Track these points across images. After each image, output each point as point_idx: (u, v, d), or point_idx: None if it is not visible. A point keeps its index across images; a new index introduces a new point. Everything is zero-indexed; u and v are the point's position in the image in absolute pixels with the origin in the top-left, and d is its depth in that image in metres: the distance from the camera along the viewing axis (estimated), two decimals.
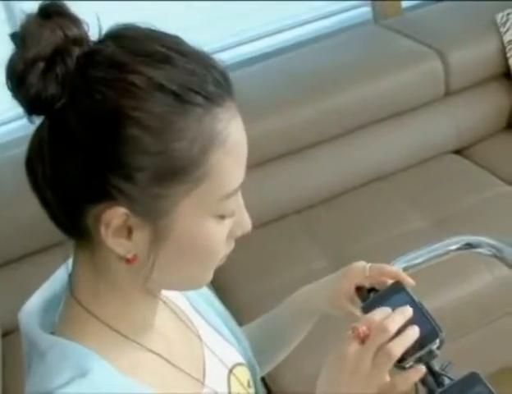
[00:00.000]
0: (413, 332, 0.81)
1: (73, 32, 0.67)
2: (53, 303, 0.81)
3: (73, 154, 0.67)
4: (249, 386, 0.98)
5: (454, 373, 0.86)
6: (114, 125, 0.66)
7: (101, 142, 0.66)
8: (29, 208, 2.22)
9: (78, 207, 0.70)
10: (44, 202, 0.71)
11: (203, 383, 0.87)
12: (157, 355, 0.81)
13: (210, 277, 0.80)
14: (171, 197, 0.69)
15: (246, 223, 0.79)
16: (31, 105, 0.67)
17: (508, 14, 2.65)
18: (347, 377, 0.80)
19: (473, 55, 2.62)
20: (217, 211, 0.72)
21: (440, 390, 0.84)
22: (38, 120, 0.70)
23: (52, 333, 0.77)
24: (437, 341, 0.86)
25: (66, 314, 0.78)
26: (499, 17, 2.66)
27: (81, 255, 0.76)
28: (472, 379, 0.82)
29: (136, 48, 0.68)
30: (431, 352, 0.86)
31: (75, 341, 0.74)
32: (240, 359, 0.99)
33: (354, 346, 0.81)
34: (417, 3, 3.11)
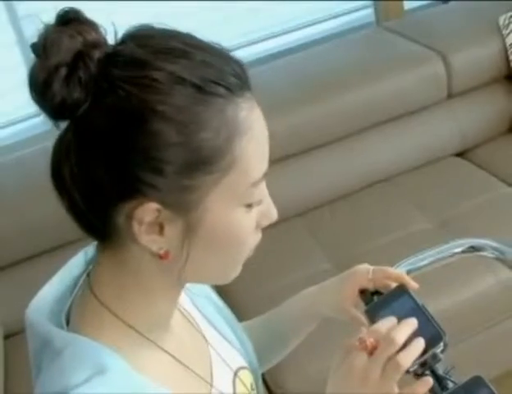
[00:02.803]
0: (420, 344, 0.82)
1: (92, 36, 0.68)
2: (64, 299, 0.81)
3: (101, 154, 0.68)
4: (252, 389, 0.98)
5: (457, 377, 0.86)
6: (140, 120, 0.67)
7: (128, 138, 0.67)
8: (32, 210, 2.25)
9: (108, 206, 0.70)
10: (72, 204, 0.72)
11: (211, 384, 0.88)
12: (171, 355, 0.82)
13: (239, 269, 0.81)
14: (200, 188, 0.70)
15: (272, 212, 0.79)
16: (57, 111, 0.68)
17: (510, 16, 2.64)
18: (356, 389, 0.80)
19: (476, 57, 2.62)
20: (245, 200, 0.74)
21: None
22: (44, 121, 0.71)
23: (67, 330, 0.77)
24: (441, 344, 0.86)
25: (84, 311, 0.78)
26: (501, 20, 2.66)
27: (105, 255, 0.77)
28: (476, 383, 0.82)
29: (155, 45, 0.70)
30: (435, 356, 0.86)
31: (94, 338, 0.74)
32: (244, 363, 0.99)
33: (362, 358, 0.81)
34: (419, 5, 3.12)
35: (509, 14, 2.65)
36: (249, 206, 0.75)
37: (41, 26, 0.68)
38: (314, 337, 1.12)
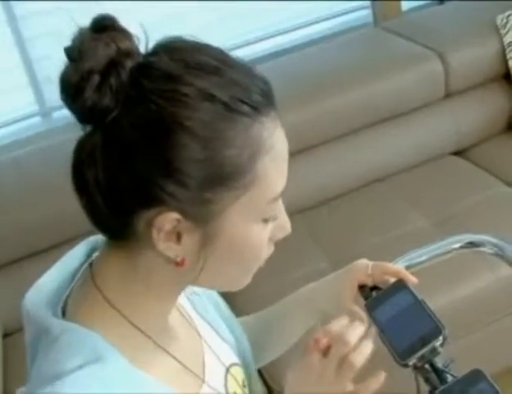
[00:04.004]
0: (370, 345, 0.84)
1: (125, 45, 0.70)
2: (61, 291, 0.82)
3: (127, 161, 0.69)
4: (244, 385, 0.99)
5: (457, 371, 0.86)
6: (167, 133, 0.68)
7: (154, 149, 0.68)
8: (31, 209, 2.25)
9: (130, 212, 0.72)
10: (91, 206, 0.73)
11: (203, 380, 0.89)
12: (168, 353, 0.83)
13: (250, 278, 0.83)
14: (220, 202, 0.71)
15: (287, 226, 0.82)
16: (86, 116, 0.70)
17: (508, 16, 2.65)
18: (312, 385, 0.84)
19: (474, 57, 2.62)
20: (263, 215, 0.76)
21: (443, 387, 0.84)
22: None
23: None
24: (440, 338, 0.86)
25: (84, 302, 0.79)
26: (499, 19, 2.67)
27: (117, 253, 0.78)
28: (475, 376, 0.82)
29: (187, 59, 0.71)
30: (434, 349, 0.86)
31: (92, 329, 0.74)
32: (236, 360, 1.00)
33: (316, 358, 0.84)
34: (417, 5, 3.12)
35: (507, 13, 2.66)
36: (266, 221, 0.77)
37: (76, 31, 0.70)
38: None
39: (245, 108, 0.70)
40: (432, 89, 2.61)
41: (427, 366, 0.87)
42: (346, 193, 2.53)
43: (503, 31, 2.64)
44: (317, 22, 3.03)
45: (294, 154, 2.63)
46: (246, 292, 2.04)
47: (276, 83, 2.64)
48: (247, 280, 0.83)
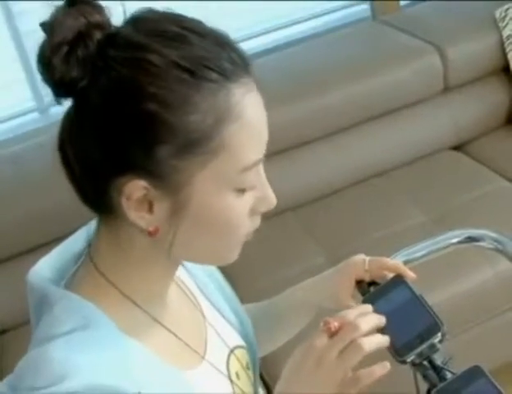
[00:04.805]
0: (385, 340, 0.83)
1: (95, 18, 0.71)
2: (63, 271, 0.84)
3: (95, 130, 0.72)
4: (247, 368, 0.99)
5: (456, 368, 0.85)
6: (132, 101, 0.70)
7: (120, 117, 0.70)
8: (28, 205, 2.25)
9: (103, 180, 0.74)
10: (73, 177, 0.76)
11: (203, 357, 0.89)
12: (164, 326, 0.84)
13: (235, 253, 0.82)
14: (187, 169, 0.72)
15: (270, 199, 0.80)
16: (57, 87, 0.72)
17: (507, 9, 2.64)
18: (310, 367, 0.81)
19: (472, 50, 2.61)
20: (236, 184, 0.75)
21: (442, 384, 0.83)
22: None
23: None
24: (439, 334, 0.86)
25: (82, 278, 0.81)
26: (498, 12, 2.66)
27: (105, 229, 0.80)
28: (474, 373, 0.81)
29: (152, 28, 0.72)
30: (432, 346, 0.86)
31: (86, 298, 0.77)
32: (241, 342, 1.00)
33: (322, 339, 0.81)
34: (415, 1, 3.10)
35: (506, 7, 2.65)
36: (241, 191, 0.76)
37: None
38: (311, 330, 1.11)
39: (211, 74, 0.71)
40: (430, 84, 2.60)
41: (425, 363, 0.86)
42: (345, 188, 2.52)
43: (501, 24, 2.63)
44: (314, 17, 3.02)
45: (291, 149, 2.65)
46: (244, 287, 2.05)
47: (273, 78, 2.66)
48: (231, 254, 0.82)
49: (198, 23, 0.75)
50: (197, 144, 0.71)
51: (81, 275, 0.82)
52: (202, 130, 0.71)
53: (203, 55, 0.71)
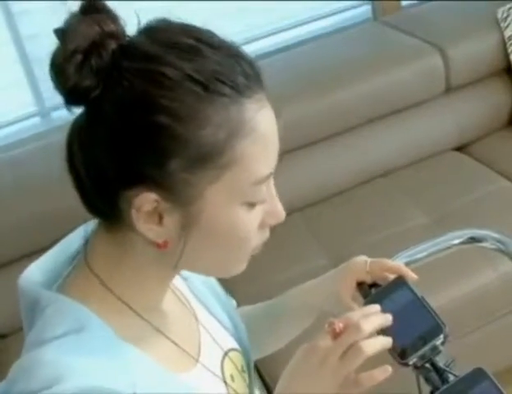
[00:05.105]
0: (387, 342, 0.82)
1: (109, 27, 0.71)
2: (56, 273, 0.84)
3: (106, 141, 0.71)
4: (243, 371, 0.99)
5: (459, 370, 0.84)
6: (144, 113, 0.69)
7: (132, 129, 0.70)
8: (28, 209, 2.24)
9: (113, 191, 0.73)
10: (80, 184, 0.76)
11: (197, 360, 0.89)
12: (158, 330, 0.84)
13: (243, 265, 0.82)
14: (199, 183, 0.72)
15: (279, 212, 0.81)
16: (69, 95, 0.71)
17: (509, 9, 2.63)
18: (313, 368, 0.80)
19: (474, 51, 2.60)
20: (247, 198, 0.75)
21: (444, 387, 0.82)
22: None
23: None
24: (441, 336, 0.85)
25: (75, 279, 0.81)
26: (499, 12, 2.65)
27: (106, 232, 0.79)
28: (477, 375, 0.80)
29: (167, 40, 0.72)
30: (435, 348, 0.85)
31: (78, 300, 0.76)
32: (235, 345, 1.00)
33: (326, 340, 0.81)
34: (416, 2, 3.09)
35: (508, 6, 2.64)
36: (251, 205, 0.76)
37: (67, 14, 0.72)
38: (312, 332, 1.10)
39: (225, 89, 0.71)
40: (432, 84, 2.59)
41: (427, 365, 0.85)
42: (347, 189, 2.51)
43: (503, 25, 2.62)
44: (315, 20, 3.01)
45: (293, 150, 2.64)
46: (245, 288, 2.05)
47: (276, 78, 2.63)
48: (239, 266, 0.82)
49: (212, 34, 0.74)
50: (209, 157, 0.71)
51: (74, 275, 0.81)
52: (214, 143, 0.70)
53: (217, 69, 0.71)
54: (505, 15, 2.63)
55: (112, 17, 0.72)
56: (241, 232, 0.76)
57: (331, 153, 2.53)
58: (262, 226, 0.79)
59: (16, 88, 2.62)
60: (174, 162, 0.70)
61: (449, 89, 2.62)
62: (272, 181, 0.79)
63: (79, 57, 0.69)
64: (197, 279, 1.01)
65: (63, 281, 0.82)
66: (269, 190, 0.78)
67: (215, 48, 0.72)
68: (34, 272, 0.83)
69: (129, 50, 0.71)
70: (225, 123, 0.71)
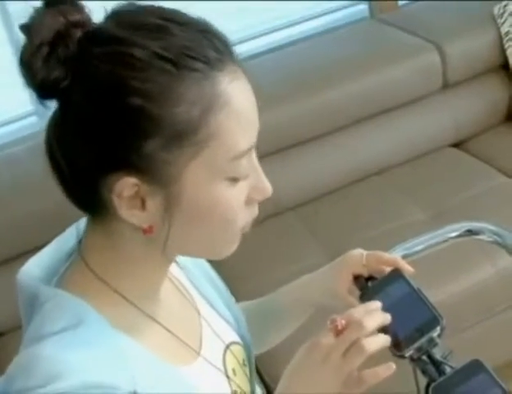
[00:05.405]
0: (387, 340, 0.81)
1: (74, 16, 0.70)
2: (53, 269, 0.83)
3: (81, 129, 0.71)
4: (244, 364, 0.98)
5: (456, 362, 0.84)
6: (116, 96, 0.69)
7: (105, 114, 0.69)
8: (25, 208, 2.24)
9: (93, 180, 0.72)
10: (62, 178, 0.75)
11: (198, 353, 0.88)
12: (157, 322, 0.83)
13: (233, 246, 0.81)
14: (177, 162, 0.71)
15: (264, 187, 0.79)
16: (39, 90, 0.71)
17: (505, 6, 2.63)
18: (315, 365, 0.80)
19: (471, 47, 2.61)
20: (228, 173, 0.74)
21: (441, 378, 0.82)
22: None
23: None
24: (438, 328, 0.84)
25: (72, 275, 0.80)
26: (496, 9, 2.65)
27: (96, 226, 0.79)
28: (474, 367, 0.80)
29: (133, 22, 0.71)
30: (431, 340, 0.84)
31: (77, 295, 0.76)
32: (237, 339, 0.99)
33: (328, 337, 0.80)
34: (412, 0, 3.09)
35: (504, 3, 2.64)
36: (234, 180, 0.75)
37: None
38: (313, 334, 1.10)
39: (195, 64, 0.70)
40: (429, 81, 2.59)
41: (424, 357, 0.85)
42: (344, 187, 2.51)
43: (500, 21, 2.62)
44: (312, 18, 3.00)
45: (289, 148, 2.64)
46: (244, 286, 2.04)
47: (272, 77, 2.65)
48: (229, 246, 0.81)
49: (179, 13, 0.74)
50: (185, 135, 0.70)
51: (71, 271, 0.81)
52: (189, 120, 0.69)
53: (186, 44, 0.70)
54: (501, 11, 2.63)
55: (77, 6, 0.71)
56: (226, 209, 0.75)
57: (327, 150, 2.53)
58: (248, 202, 0.78)
59: (13, 87, 2.61)
60: (150, 143, 0.69)
61: (446, 86, 2.62)
62: (253, 155, 0.77)
63: (45, 49, 0.69)
64: (191, 265, 1.00)
65: (60, 278, 0.81)
66: (252, 165, 0.77)
67: (182, 25, 0.71)
68: (33, 268, 0.82)
69: (95, 36, 0.71)
70: (198, 99, 0.70)
